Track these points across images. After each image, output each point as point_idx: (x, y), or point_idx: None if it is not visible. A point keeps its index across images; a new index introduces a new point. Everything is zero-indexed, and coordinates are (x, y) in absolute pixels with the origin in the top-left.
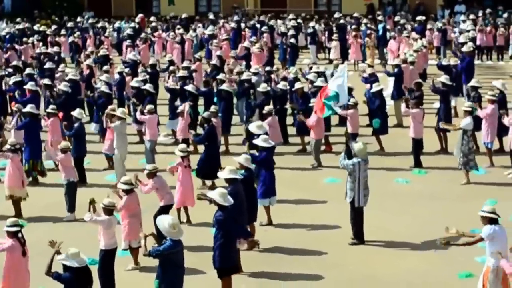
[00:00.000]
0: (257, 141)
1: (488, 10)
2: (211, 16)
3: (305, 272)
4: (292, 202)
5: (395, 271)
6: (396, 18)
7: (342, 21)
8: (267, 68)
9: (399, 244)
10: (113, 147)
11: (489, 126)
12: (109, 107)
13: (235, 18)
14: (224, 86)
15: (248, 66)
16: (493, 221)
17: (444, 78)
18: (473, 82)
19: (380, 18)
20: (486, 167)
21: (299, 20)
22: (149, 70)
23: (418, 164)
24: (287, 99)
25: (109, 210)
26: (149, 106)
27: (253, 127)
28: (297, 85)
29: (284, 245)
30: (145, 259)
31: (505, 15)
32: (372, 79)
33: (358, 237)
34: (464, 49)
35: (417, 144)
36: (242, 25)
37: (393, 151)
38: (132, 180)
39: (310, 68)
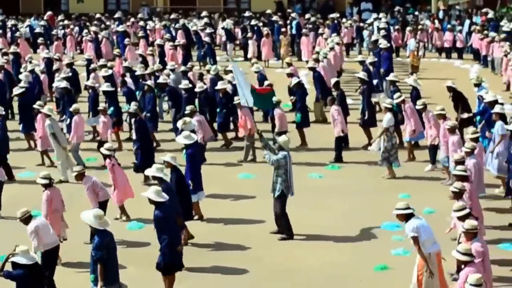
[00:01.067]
0: (179, 138)
1: (397, 8)
2: (118, 15)
3: (229, 265)
4: (211, 196)
5: (313, 264)
6: (307, 16)
7: (253, 21)
8: (182, 68)
9: (316, 237)
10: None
11: (408, 125)
12: (37, 103)
13: (140, 15)
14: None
15: (162, 64)
16: (409, 216)
17: (362, 74)
18: (391, 77)
19: (293, 15)
20: (405, 161)
21: (206, 20)
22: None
23: (339, 159)
24: (210, 97)
25: (25, 220)
26: (74, 106)
27: (179, 123)
28: (220, 85)
29: (208, 240)
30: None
31: (416, 12)
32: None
33: (289, 230)
34: (382, 45)
35: (340, 141)
36: (152, 23)
37: (312, 147)
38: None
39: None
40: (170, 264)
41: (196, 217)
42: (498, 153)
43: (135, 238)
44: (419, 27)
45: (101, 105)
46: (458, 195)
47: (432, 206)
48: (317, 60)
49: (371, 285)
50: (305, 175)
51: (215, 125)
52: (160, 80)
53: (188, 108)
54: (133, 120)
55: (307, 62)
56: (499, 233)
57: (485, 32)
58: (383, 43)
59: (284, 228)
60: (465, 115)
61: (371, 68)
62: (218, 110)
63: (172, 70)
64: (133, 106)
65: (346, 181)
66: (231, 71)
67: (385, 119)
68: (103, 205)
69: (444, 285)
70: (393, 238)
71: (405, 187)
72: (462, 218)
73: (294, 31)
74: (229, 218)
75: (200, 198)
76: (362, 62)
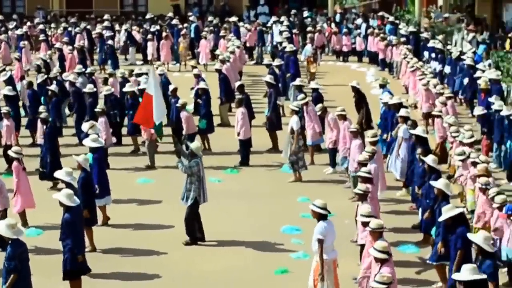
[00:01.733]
0: (86, 142)
1: (293, 11)
2: (14, 16)
3: (135, 271)
4: (114, 202)
5: (214, 269)
6: (210, 18)
7: (153, 24)
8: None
9: (216, 242)
10: None
11: (311, 127)
12: None
13: (37, 20)
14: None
15: (62, 68)
16: (322, 217)
17: (268, 77)
18: (297, 82)
19: (192, 18)
20: (308, 164)
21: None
22: None
23: (244, 163)
24: (117, 101)
25: None
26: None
27: (85, 127)
28: (127, 87)
29: (114, 245)
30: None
31: (313, 16)
32: (199, 79)
33: (193, 236)
34: (287, 49)
35: (245, 144)
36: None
37: (213, 151)
38: None
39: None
40: (72, 269)
41: (101, 222)
42: (401, 156)
43: (36, 244)
44: (317, 29)
45: (4, 109)
46: (362, 197)
47: (331, 209)
48: (223, 62)
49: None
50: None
51: (124, 129)
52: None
53: (99, 107)
54: (44, 126)
55: (205, 65)
56: (399, 235)
57: (382, 35)
58: (288, 47)
59: (187, 232)
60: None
61: (277, 71)
62: (126, 112)
63: (79, 74)
64: (44, 112)
65: (245, 185)
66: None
67: (292, 122)
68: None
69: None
70: (293, 242)
71: (305, 190)
72: (366, 224)
73: (192, 34)
74: (136, 224)
75: (107, 202)
76: (268, 65)
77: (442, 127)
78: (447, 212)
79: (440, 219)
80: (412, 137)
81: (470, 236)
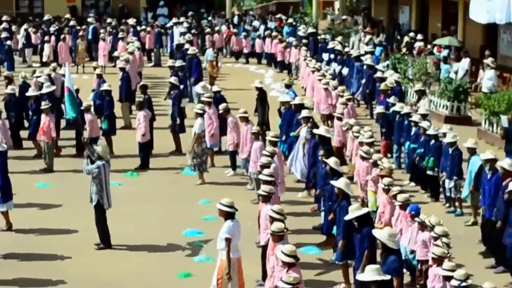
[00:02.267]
0: None
1: (190, 13)
2: None
3: (39, 277)
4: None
5: (118, 273)
6: (109, 20)
7: (51, 26)
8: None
9: (119, 246)
10: None
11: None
12: None
13: None
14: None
15: None
16: (230, 215)
17: (173, 79)
18: (199, 88)
19: (89, 20)
20: (208, 167)
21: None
22: None
23: (144, 166)
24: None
25: None
26: None
27: None
28: (30, 91)
29: (18, 250)
30: None
31: (210, 18)
32: (100, 80)
33: (106, 241)
34: (190, 51)
35: (144, 147)
36: None
37: (117, 153)
38: None
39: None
40: None
41: (6, 227)
42: (302, 157)
43: None
44: (215, 30)
45: None
46: (266, 198)
47: None
48: (127, 61)
49: None
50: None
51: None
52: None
53: None
54: None
55: (103, 67)
56: (300, 237)
57: (279, 37)
58: (191, 49)
59: (100, 237)
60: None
61: (179, 73)
62: (30, 118)
63: None
64: None
65: (146, 189)
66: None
67: (197, 124)
68: None
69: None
70: (195, 244)
71: (206, 193)
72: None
73: (90, 36)
74: (38, 228)
75: (10, 208)
76: (171, 67)
77: (341, 130)
78: (354, 212)
79: (346, 218)
80: (314, 137)
81: (374, 232)
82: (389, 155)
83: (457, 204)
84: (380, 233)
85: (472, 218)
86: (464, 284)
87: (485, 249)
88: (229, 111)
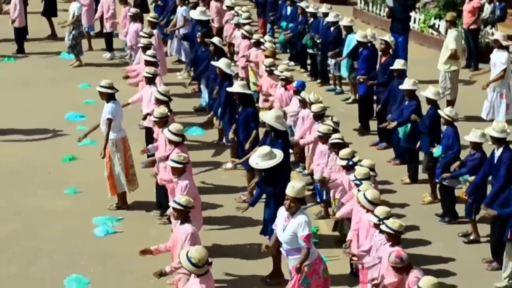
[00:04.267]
0: None
1: None
2: None
3: None
4: None
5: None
6: None
7: None
8: None
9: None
10: None
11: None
12: None
13: None
14: None
15: None
16: (111, 97)
17: None
18: None
19: None
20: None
21: None
22: None
23: (20, 50)
24: None
25: None
26: None
27: None
28: None
29: None
30: None
31: None
32: None
33: None
34: None
35: (19, 32)
36: None
37: None
38: None
39: None
40: None
41: None
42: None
43: None
44: None
45: None
46: (150, 80)
47: None
48: None
49: (60, 175)
50: None
51: None
52: None
53: None
54: None
55: None
56: (185, 118)
57: None
58: None
59: None
60: None
61: None
62: None
63: None
64: None
65: (24, 73)
66: None
67: (74, 7)
68: None
69: (129, 167)
70: (78, 128)
71: (85, 77)
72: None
73: None
74: None
75: None
76: None
77: (222, 11)
78: (238, 87)
79: (230, 89)
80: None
81: (261, 114)
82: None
83: (337, 82)
84: (267, 115)
85: (352, 95)
86: (351, 162)
87: (360, 126)
88: None
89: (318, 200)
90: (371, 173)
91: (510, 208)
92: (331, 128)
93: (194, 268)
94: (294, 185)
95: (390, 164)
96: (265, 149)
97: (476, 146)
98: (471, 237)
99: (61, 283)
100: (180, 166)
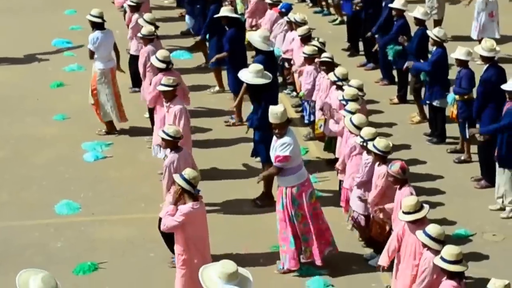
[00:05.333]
0: None
1: None
2: None
3: None
4: None
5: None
6: None
7: None
8: None
9: None
10: None
11: None
12: None
13: None
14: None
15: None
16: (98, 25)
17: None
18: None
19: None
20: None
21: None
22: None
23: None
24: None
25: None
26: None
27: None
28: None
29: None
30: None
31: None
32: None
33: None
34: None
35: None
36: None
37: None
38: None
39: None
40: None
41: None
42: None
43: None
44: None
45: None
46: (135, 8)
47: None
48: None
49: (48, 102)
50: None
51: None
52: None
53: None
54: None
55: None
56: (170, 41)
57: None
58: None
59: None
60: None
61: None
62: None
63: None
64: None
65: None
66: None
67: None
68: None
69: (118, 98)
70: (65, 55)
71: (71, 3)
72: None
73: None
74: None
75: None
76: None
77: None
78: (225, 11)
79: (217, 15)
80: None
81: (247, 35)
82: None
83: (323, 3)
84: (252, 36)
85: (339, 17)
86: (340, 82)
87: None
88: None
89: (306, 121)
90: (360, 93)
91: (493, 125)
92: (316, 48)
93: (189, 186)
94: (276, 112)
95: (378, 84)
96: (258, 66)
97: (462, 63)
98: (462, 157)
99: (52, 209)
100: (170, 89)
